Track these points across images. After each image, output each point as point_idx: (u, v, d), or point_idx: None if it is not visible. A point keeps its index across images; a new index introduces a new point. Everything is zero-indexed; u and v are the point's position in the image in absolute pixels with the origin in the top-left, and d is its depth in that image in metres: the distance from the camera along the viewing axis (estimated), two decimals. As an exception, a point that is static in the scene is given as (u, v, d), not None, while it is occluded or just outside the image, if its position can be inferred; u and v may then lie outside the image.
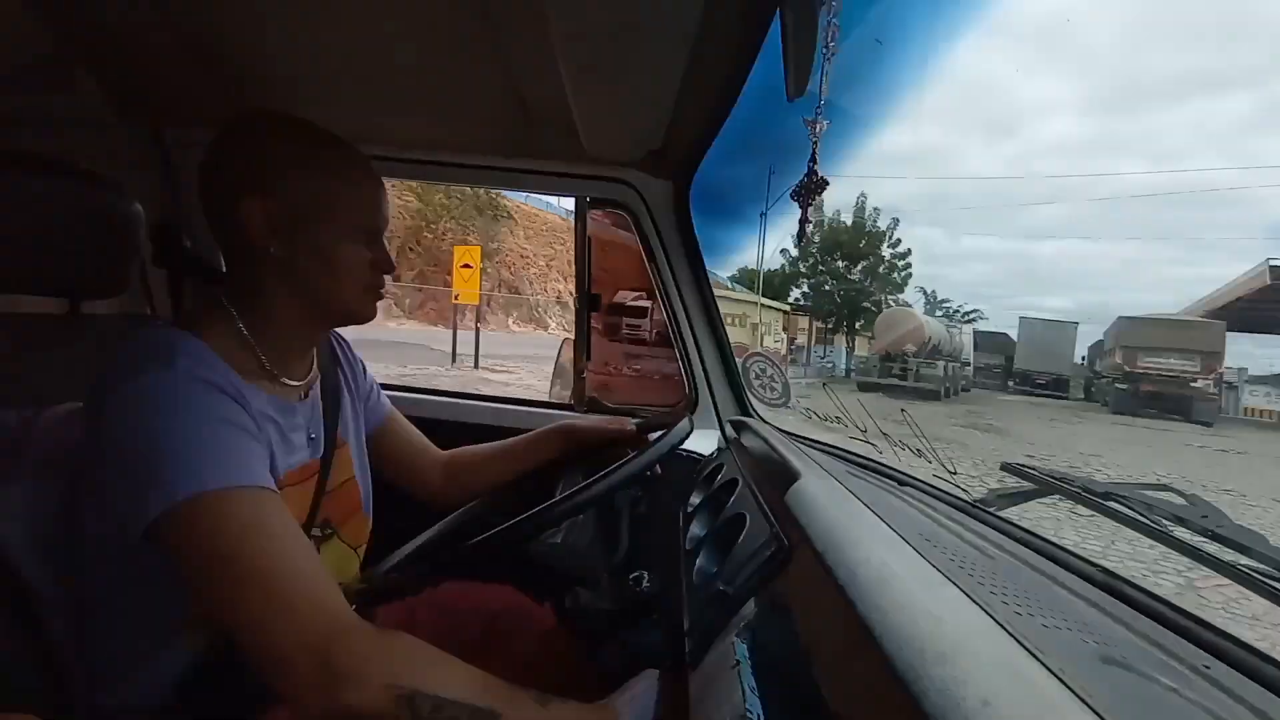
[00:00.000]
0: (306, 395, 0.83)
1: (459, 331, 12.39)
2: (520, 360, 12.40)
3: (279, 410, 0.76)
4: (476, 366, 11.58)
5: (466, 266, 11.91)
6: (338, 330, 0.94)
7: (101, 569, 0.70)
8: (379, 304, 0.84)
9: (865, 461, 1.21)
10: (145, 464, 0.60)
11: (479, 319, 13.02)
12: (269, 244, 0.72)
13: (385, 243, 0.83)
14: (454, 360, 11.95)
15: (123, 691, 0.71)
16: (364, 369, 1.01)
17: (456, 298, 12.30)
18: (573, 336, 1.64)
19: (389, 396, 1.07)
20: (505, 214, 21.84)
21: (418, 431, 1.09)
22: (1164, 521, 0.75)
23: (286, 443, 0.77)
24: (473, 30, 0.91)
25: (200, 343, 0.69)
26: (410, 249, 18.22)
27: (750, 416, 1.47)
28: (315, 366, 0.87)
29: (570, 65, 0.92)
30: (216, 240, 0.76)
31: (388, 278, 0.83)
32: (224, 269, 0.79)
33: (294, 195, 0.73)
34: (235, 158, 0.73)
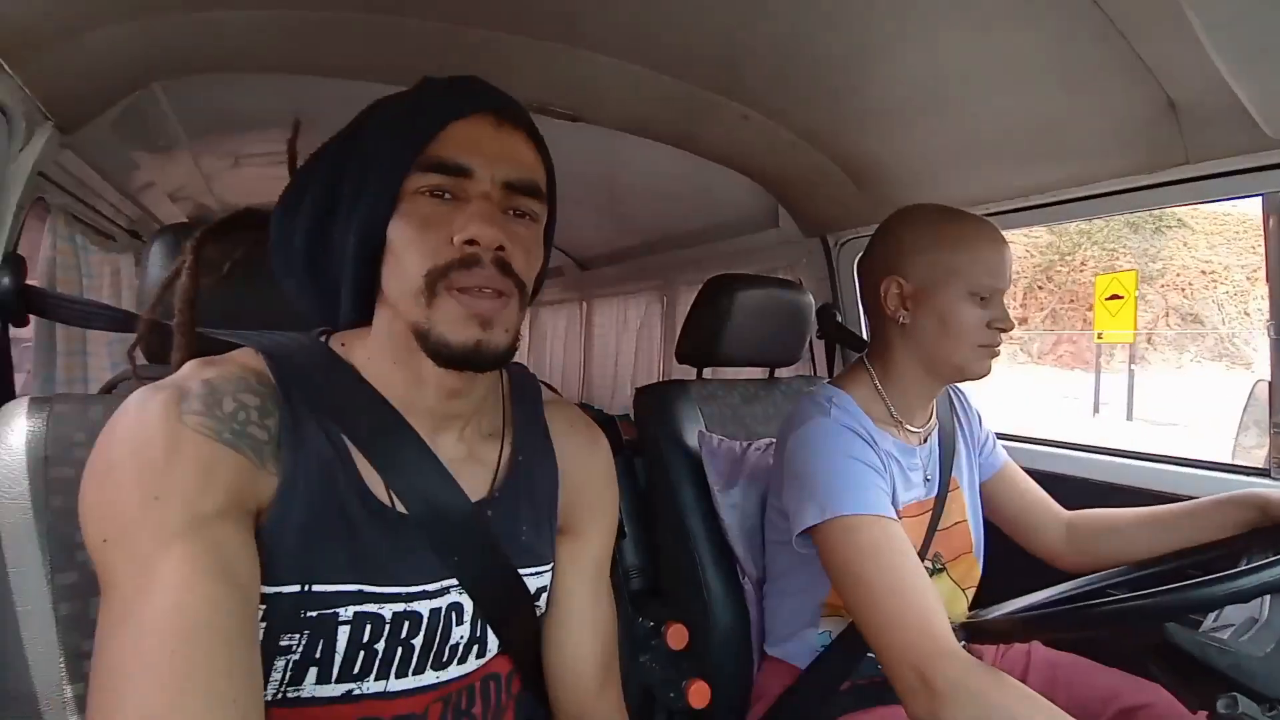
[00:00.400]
0: (925, 440, 0.97)
1: (1103, 376, 10.41)
2: (1202, 410, 9.40)
3: (900, 451, 0.92)
4: (1129, 418, 9.44)
5: (1115, 298, 9.97)
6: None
7: (776, 553, 1.00)
8: (1003, 351, 0.92)
9: None
10: (806, 485, 0.85)
11: (1132, 360, 10.61)
12: (898, 314, 0.90)
13: (1004, 302, 0.90)
14: (1096, 410, 10.09)
15: (782, 647, 1.00)
16: (979, 420, 1.08)
17: (1100, 336, 10.41)
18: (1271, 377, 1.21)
19: (1006, 446, 1.10)
20: (1174, 223, 17.14)
21: (1036, 486, 1.06)
22: None
23: (905, 479, 0.92)
24: (1098, 48, 0.87)
25: (847, 396, 0.92)
26: (1039, 287, 16.53)
27: None
28: (934, 416, 1.00)
29: (1228, 37, 0.77)
30: (866, 313, 0.98)
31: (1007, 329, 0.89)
32: (865, 338, 1.01)
33: (920, 273, 0.89)
34: (878, 248, 0.95)
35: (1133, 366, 10.27)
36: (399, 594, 0.53)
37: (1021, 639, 0.98)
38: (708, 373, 1.35)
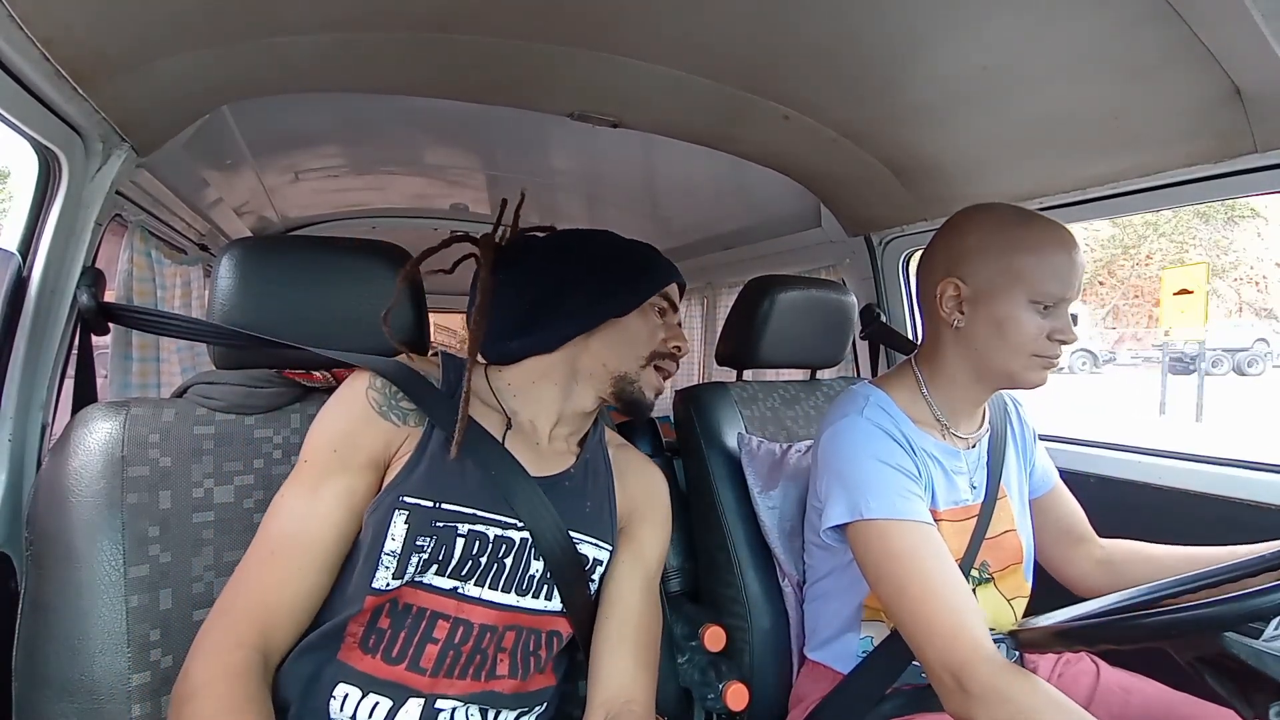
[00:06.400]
0: (973, 445, 0.94)
1: (1169, 377, 9.87)
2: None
3: (943, 452, 0.90)
4: (1199, 419, 8.93)
5: (1183, 293, 9.43)
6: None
7: (817, 555, 0.99)
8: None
9: None
10: (837, 481, 0.85)
11: (1202, 357, 10.02)
12: (953, 318, 0.87)
13: (1069, 314, 0.85)
14: (1162, 410, 9.58)
15: (823, 651, 0.99)
16: (1034, 436, 1.04)
17: (1167, 333, 9.87)
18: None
19: (1051, 447, 1.06)
20: (1248, 213, 16.15)
21: (1077, 510, 1.03)
22: None
23: (949, 482, 0.90)
24: (1158, 33, 0.83)
25: (886, 395, 0.90)
26: (1100, 283, 15.80)
27: None
28: (985, 421, 0.97)
29: None
30: (922, 313, 0.95)
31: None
32: (910, 338, 0.96)
33: (980, 276, 0.85)
34: (939, 247, 0.91)
35: (1202, 365, 9.69)
36: (500, 520, 0.74)
37: (1069, 649, 0.94)
38: (748, 374, 1.34)
